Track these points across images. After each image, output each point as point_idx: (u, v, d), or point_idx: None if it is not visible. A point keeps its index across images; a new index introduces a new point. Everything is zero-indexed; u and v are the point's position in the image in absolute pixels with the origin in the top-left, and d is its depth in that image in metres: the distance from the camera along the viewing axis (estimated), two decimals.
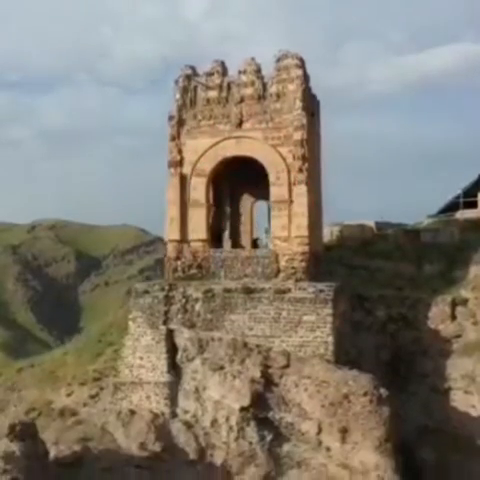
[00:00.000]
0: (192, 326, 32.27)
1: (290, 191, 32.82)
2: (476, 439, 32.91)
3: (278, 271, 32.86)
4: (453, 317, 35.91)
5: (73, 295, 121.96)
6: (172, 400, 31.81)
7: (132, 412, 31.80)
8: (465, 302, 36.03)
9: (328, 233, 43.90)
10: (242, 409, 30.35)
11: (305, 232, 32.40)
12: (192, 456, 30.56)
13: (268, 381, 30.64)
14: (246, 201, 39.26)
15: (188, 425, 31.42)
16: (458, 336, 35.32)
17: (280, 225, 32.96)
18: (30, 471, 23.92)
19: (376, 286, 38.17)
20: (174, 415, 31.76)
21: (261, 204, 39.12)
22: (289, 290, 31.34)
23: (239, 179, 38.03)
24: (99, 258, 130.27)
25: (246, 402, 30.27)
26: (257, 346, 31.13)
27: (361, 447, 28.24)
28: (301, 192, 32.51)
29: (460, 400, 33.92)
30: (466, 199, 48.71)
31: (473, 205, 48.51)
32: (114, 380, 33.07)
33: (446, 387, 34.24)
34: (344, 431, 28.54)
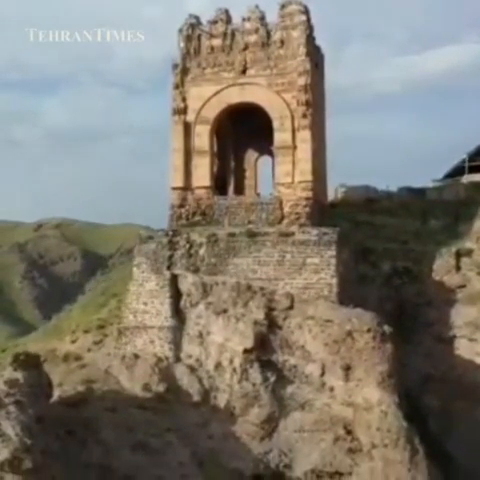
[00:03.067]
0: (196, 271, 32.29)
1: (294, 137, 32.82)
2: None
3: (282, 217, 32.85)
4: (458, 268, 35.86)
5: (79, 293, 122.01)
6: (176, 344, 31.81)
7: (136, 356, 31.83)
8: (470, 253, 35.97)
9: (333, 193, 43.86)
10: (245, 351, 30.34)
11: (309, 177, 32.38)
12: (196, 398, 30.56)
13: (272, 323, 30.65)
14: (250, 156, 39.30)
15: (192, 369, 31.42)
16: (462, 286, 35.26)
17: (284, 171, 32.96)
18: (33, 397, 23.97)
19: (381, 240, 38.11)
20: (178, 359, 31.76)
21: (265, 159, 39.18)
22: (293, 233, 31.33)
23: (243, 135, 38.11)
24: (105, 256, 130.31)
25: (249, 344, 30.27)
26: (261, 289, 31.13)
27: (364, 384, 28.22)
28: (305, 138, 32.50)
29: (464, 348, 33.87)
30: (471, 163, 48.52)
31: (479, 169, 48.33)
32: (118, 326, 33.12)
33: (450, 335, 34.21)
34: (347, 368, 28.53)
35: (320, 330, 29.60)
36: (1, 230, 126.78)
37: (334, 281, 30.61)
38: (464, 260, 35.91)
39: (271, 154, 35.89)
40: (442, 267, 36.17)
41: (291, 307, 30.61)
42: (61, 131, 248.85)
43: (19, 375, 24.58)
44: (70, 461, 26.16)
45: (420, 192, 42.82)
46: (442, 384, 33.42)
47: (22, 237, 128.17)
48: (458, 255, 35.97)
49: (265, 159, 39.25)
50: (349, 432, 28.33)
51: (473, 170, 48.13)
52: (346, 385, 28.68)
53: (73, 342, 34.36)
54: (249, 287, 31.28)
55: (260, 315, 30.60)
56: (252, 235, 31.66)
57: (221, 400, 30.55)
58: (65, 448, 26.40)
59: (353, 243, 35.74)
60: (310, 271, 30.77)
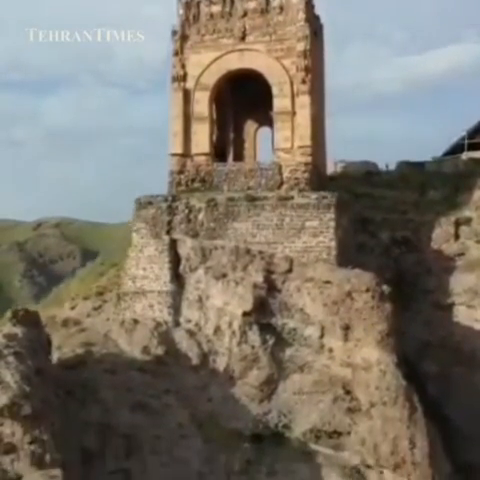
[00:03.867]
0: (195, 235, 32.34)
1: (293, 103, 32.86)
2: (478, 352, 32.88)
3: (281, 183, 32.89)
4: (456, 236, 35.92)
5: None
6: (175, 309, 31.86)
7: (135, 321, 31.87)
8: (469, 221, 36.03)
9: (332, 167, 43.93)
10: (245, 314, 30.40)
11: (308, 142, 32.42)
12: (195, 361, 30.59)
13: (271, 287, 30.69)
14: (250, 127, 39.35)
15: (191, 333, 31.45)
16: (461, 254, 35.32)
17: (283, 137, 32.99)
18: (33, 351, 23.95)
19: (380, 211, 38.16)
20: (177, 324, 31.80)
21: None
22: (292, 197, 31.39)
23: (242, 106, 38.16)
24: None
25: (249, 307, 30.32)
26: (260, 252, 31.18)
27: (363, 344, 28.26)
28: (304, 103, 32.53)
29: (463, 315, 33.93)
30: (471, 141, 48.50)
31: (478, 147, 48.32)
32: (117, 291, 33.19)
33: (449, 302, 34.26)
34: (346, 328, 28.57)
35: (319, 292, 29.66)
36: (0, 229, 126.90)
37: (333, 244, 30.65)
38: (463, 229, 35.96)
39: (271, 125, 35.94)
40: (441, 236, 36.22)
41: (290, 270, 30.65)
42: (61, 131, 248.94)
43: (18, 330, 24.58)
44: (69, 418, 26.25)
45: (419, 165, 42.84)
46: (441, 350, 33.47)
47: (21, 236, 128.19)
48: (457, 224, 36.02)
49: (264, 131, 39.39)
50: (348, 392, 28.39)
51: (472, 147, 48.18)
52: (345, 345, 28.73)
53: (72, 308, 34.45)
54: (248, 251, 31.32)
55: (259, 278, 30.65)
56: (251, 199, 31.70)
57: (220, 363, 30.58)
58: (64, 407, 26.49)
59: (352, 213, 35.78)
60: (309, 234, 30.82)
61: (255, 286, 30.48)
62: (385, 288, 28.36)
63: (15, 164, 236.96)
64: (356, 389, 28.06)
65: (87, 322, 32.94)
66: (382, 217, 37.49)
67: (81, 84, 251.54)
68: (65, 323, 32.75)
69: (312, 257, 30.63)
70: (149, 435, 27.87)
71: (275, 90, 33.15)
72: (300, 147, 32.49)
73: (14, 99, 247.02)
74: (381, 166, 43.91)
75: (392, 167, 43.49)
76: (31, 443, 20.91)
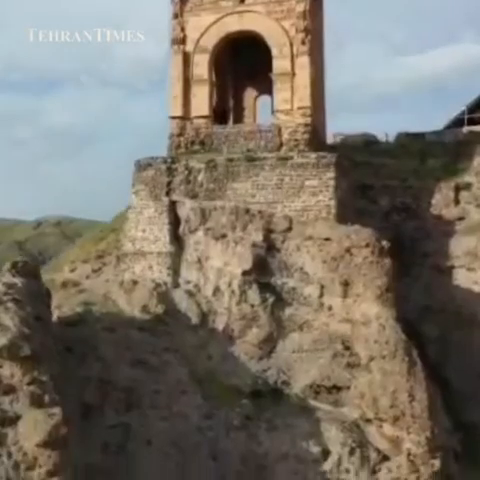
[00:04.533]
0: (194, 197, 32.32)
1: (293, 64, 32.80)
2: (478, 315, 32.87)
3: (281, 144, 32.82)
4: (456, 201, 35.88)
5: None
6: (174, 270, 31.89)
7: (134, 282, 31.86)
8: (469, 186, 35.99)
9: (331, 139, 43.83)
10: (244, 273, 30.40)
11: (307, 103, 32.37)
12: (194, 321, 30.62)
13: (270, 246, 30.70)
14: (249, 95, 39.32)
15: (190, 293, 31.47)
16: (461, 218, 35.28)
17: (282, 98, 32.94)
18: (32, 299, 23.93)
19: (379, 178, 38.07)
20: (176, 285, 31.83)
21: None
22: (291, 157, 31.37)
23: (242, 73, 38.16)
24: None
25: (248, 266, 30.32)
26: (259, 212, 31.16)
27: (363, 299, 28.25)
28: (304, 64, 32.47)
29: (463, 278, 33.89)
30: (470, 115, 48.41)
31: (478, 121, 48.24)
32: (117, 253, 33.19)
33: (449, 265, 34.22)
34: (346, 284, 28.56)
35: (318, 249, 29.64)
36: (0, 228, 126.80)
37: (332, 203, 30.63)
38: (463, 194, 35.92)
39: (270, 93, 35.90)
40: (441, 201, 36.19)
41: (289, 229, 30.63)
42: (61, 131, 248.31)
43: (17, 280, 24.52)
44: (68, 373, 26.22)
45: (419, 136, 42.73)
46: (441, 314, 33.45)
47: (21, 235, 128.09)
48: (457, 189, 35.98)
49: (264, 99, 39.36)
50: (347, 348, 28.38)
51: (472, 122, 48.12)
52: (344, 302, 28.72)
53: (72, 271, 34.46)
54: (247, 211, 31.30)
55: (258, 238, 30.64)
56: (251, 160, 31.68)
57: (219, 323, 30.58)
58: (63, 362, 26.47)
59: (352, 179, 35.73)
60: (308, 193, 30.79)
61: (254, 245, 30.47)
62: (385, 243, 28.35)
63: (15, 163, 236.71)
64: (355, 344, 28.05)
65: (86, 283, 32.96)
66: (382, 184, 37.44)
67: (81, 84, 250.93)
68: (64, 285, 32.73)
69: (311, 216, 30.62)
70: (149, 390, 27.84)
71: (275, 52, 33.10)
72: (300, 108, 32.45)
73: (14, 99, 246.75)
74: (380, 137, 43.85)
75: (392, 138, 43.41)
76: (30, 384, 20.87)
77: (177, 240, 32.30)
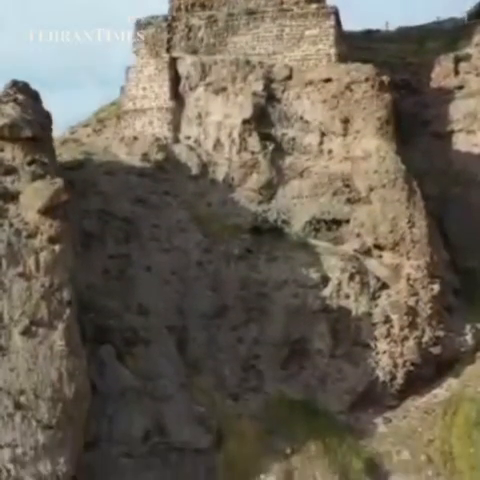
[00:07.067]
0: (195, 52, 32.30)
1: None
2: (477, 174, 32.93)
3: (281, 2, 32.59)
4: (456, 72, 35.79)
5: None
6: (175, 126, 31.84)
7: (135, 138, 31.81)
8: (468, 57, 35.84)
9: None
10: (244, 122, 30.38)
11: None
12: (194, 171, 30.60)
13: (270, 96, 30.63)
14: None
15: (190, 148, 31.43)
16: (461, 87, 35.20)
17: None
18: (32, 115, 23.56)
19: (380, 56, 37.97)
20: (177, 140, 31.78)
21: None
22: (291, 9, 31.32)
23: None
24: None
25: (248, 114, 30.31)
26: (260, 63, 31.09)
27: (363, 134, 28.30)
28: None
29: (462, 142, 33.85)
30: (470, 22, 48.20)
31: None
32: (117, 111, 33.23)
33: (448, 131, 34.16)
34: (346, 121, 28.59)
35: (319, 93, 29.62)
36: None
37: (333, 51, 30.61)
38: (462, 65, 35.77)
39: None
40: (440, 73, 36.04)
41: (290, 77, 30.56)
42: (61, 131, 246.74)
43: (18, 96, 24.34)
44: (69, 206, 26.23)
45: (419, 25, 42.72)
46: (441, 176, 33.43)
47: None
48: (457, 60, 35.89)
49: None
50: (347, 186, 28.44)
51: None
52: (344, 141, 28.76)
53: (72, 134, 34.39)
54: (248, 62, 31.20)
55: (259, 87, 30.57)
56: (251, 13, 31.67)
57: (220, 173, 30.58)
58: None
59: (350, 57, 35.62)
60: (309, 43, 30.77)
61: (255, 94, 30.44)
62: (385, 78, 28.39)
63: None
64: (355, 180, 28.13)
65: (87, 140, 32.94)
66: (382, 60, 37.35)
67: (81, 84, 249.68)
68: (64, 142, 32.58)
69: (312, 65, 30.60)
70: (148, 224, 27.97)
71: None
72: None
73: None
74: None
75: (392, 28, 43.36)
76: (31, 164, 20.90)
77: (177, 97, 32.23)
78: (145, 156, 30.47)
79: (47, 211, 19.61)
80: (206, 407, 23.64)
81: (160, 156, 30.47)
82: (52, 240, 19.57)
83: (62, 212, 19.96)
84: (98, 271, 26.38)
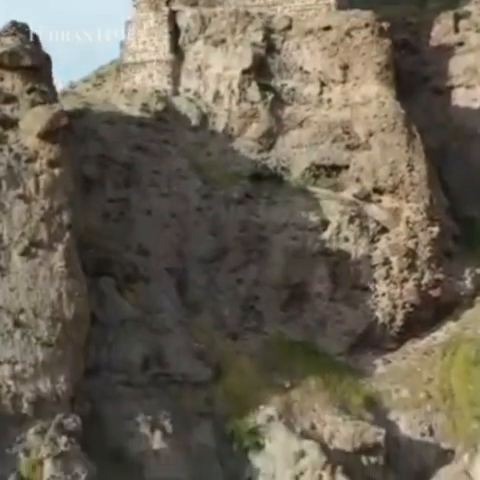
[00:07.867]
0: (195, 5, 32.25)
1: None
2: (476, 129, 32.90)
3: None
4: (456, 29, 35.72)
5: None
6: (175, 79, 31.78)
7: (135, 90, 31.81)
8: (468, 15, 35.74)
9: None
10: (244, 72, 30.34)
11: None
12: (194, 122, 30.55)
13: (270, 47, 30.55)
14: None
15: (190, 100, 31.42)
16: (461, 44, 35.15)
17: None
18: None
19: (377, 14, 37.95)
20: (176, 93, 31.74)
21: None
22: None
23: None
24: None
25: (248, 64, 30.26)
26: (259, 14, 31.05)
27: (362, 81, 28.31)
28: None
29: (462, 97, 33.76)
30: None
31: None
32: (116, 65, 33.24)
33: (448, 86, 34.06)
34: (345, 68, 28.55)
35: (319, 41, 29.59)
36: None
37: (332, 1, 30.55)
38: (462, 22, 35.66)
39: None
40: (440, 31, 35.88)
41: (289, 27, 30.50)
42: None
43: (17, 33, 24.22)
44: (68, 151, 26.21)
45: None
46: (440, 130, 33.41)
47: None
48: (456, 18, 35.82)
49: None
50: (347, 133, 28.41)
51: None
52: (344, 88, 28.75)
53: (72, 88, 34.34)
54: (247, 13, 31.14)
55: (258, 38, 30.53)
56: None
57: (219, 124, 30.54)
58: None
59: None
60: None
61: (254, 45, 30.40)
62: (384, 24, 28.39)
63: None
64: (355, 125, 28.10)
65: (87, 94, 32.91)
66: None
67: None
68: (64, 95, 32.47)
69: (311, 15, 30.54)
70: (148, 170, 28.01)
71: None
72: None
73: None
74: None
75: None
76: (30, 92, 20.90)
77: (177, 51, 32.20)
78: (145, 106, 30.43)
79: (46, 135, 19.66)
80: (205, 344, 23.72)
81: (160, 106, 30.43)
82: (52, 164, 19.64)
83: (62, 137, 20.04)
84: (98, 214, 26.46)
